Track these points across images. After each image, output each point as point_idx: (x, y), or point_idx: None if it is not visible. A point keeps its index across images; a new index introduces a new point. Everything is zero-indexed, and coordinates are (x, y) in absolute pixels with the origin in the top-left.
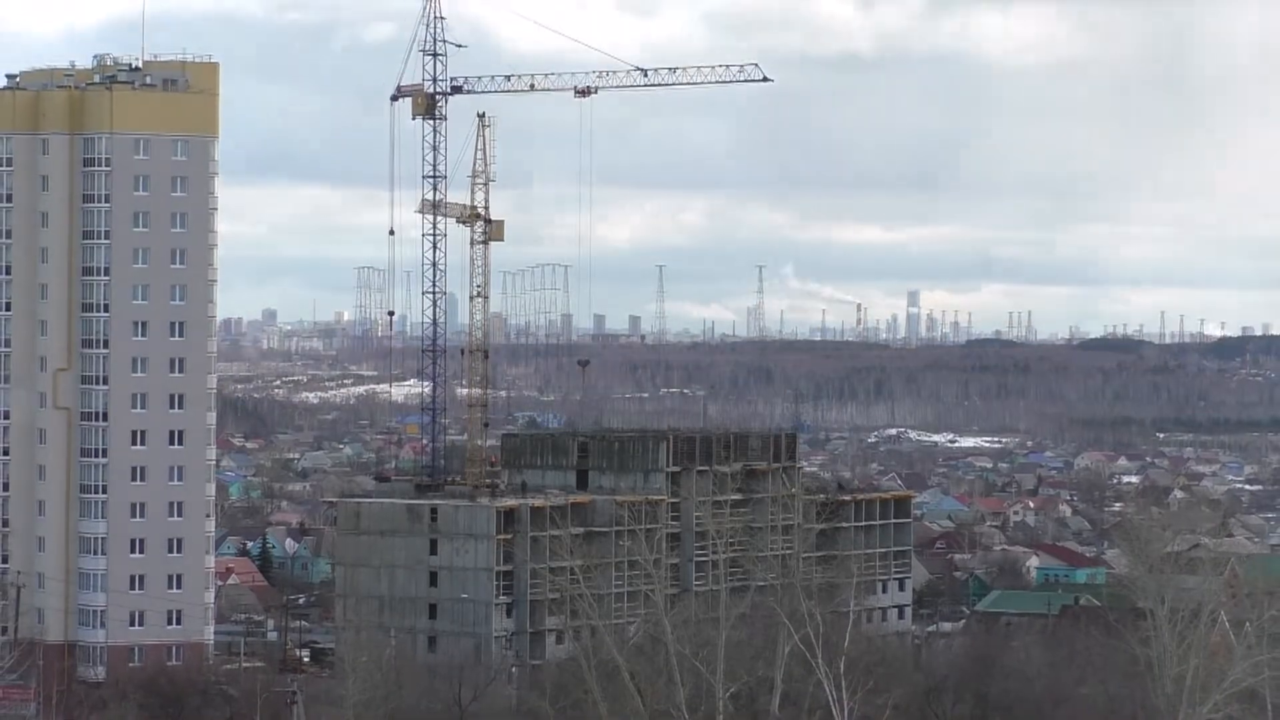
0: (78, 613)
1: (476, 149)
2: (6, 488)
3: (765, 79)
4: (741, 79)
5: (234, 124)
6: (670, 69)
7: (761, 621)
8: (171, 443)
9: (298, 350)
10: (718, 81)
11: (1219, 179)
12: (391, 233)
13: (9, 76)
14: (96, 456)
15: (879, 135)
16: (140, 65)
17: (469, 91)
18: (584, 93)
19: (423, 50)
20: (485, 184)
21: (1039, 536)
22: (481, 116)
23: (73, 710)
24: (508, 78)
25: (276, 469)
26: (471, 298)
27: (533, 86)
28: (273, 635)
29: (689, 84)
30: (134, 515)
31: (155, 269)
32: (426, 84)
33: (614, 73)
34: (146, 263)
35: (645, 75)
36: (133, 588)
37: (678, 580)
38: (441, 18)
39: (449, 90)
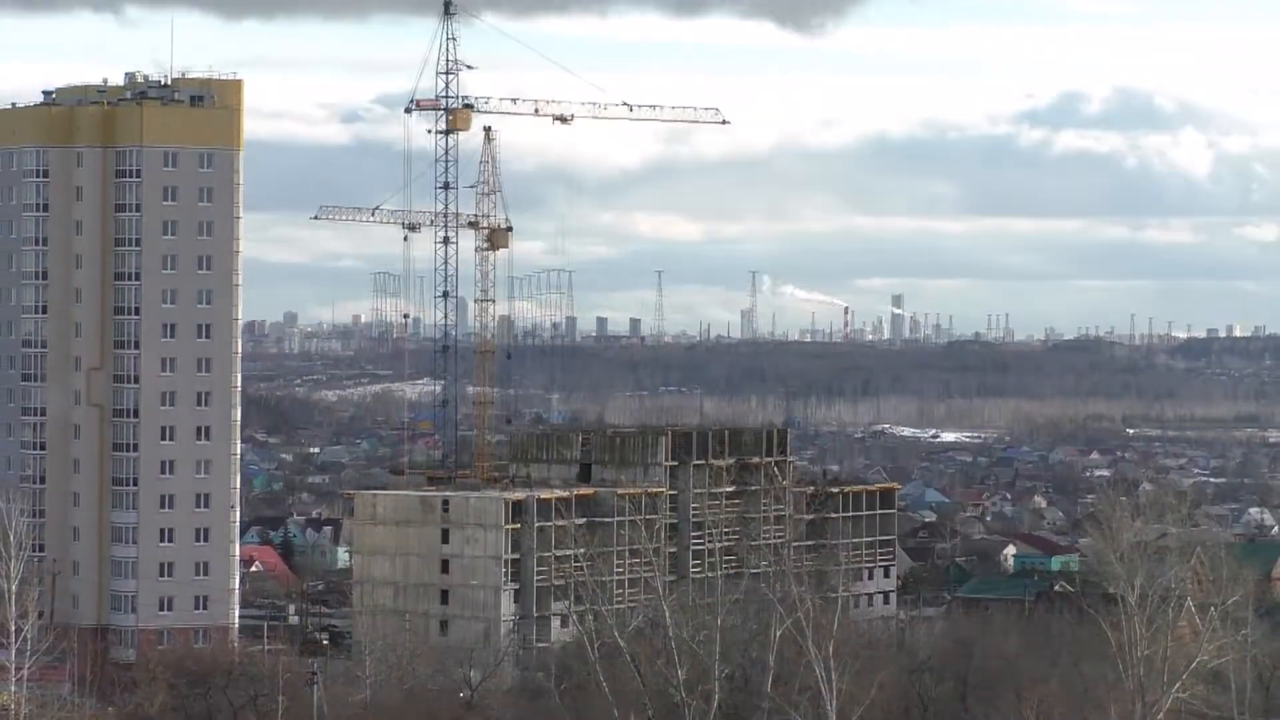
0: (110, 598)
1: (484, 161)
2: (43, 480)
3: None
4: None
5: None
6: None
7: (755, 606)
8: (198, 438)
9: (317, 351)
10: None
11: None
12: (406, 238)
13: (45, 93)
14: (128, 451)
15: None
16: (169, 82)
17: (480, 110)
18: (562, 119)
19: (438, 71)
20: (492, 194)
21: (1016, 526)
22: (488, 131)
23: (105, 690)
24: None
25: (297, 463)
26: (479, 301)
27: (537, 111)
28: (294, 619)
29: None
30: (163, 506)
31: (183, 274)
32: (441, 100)
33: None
34: (175, 268)
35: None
36: (162, 575)
37: (676, 568)
38: (454, 38)
39: (460, 107)
